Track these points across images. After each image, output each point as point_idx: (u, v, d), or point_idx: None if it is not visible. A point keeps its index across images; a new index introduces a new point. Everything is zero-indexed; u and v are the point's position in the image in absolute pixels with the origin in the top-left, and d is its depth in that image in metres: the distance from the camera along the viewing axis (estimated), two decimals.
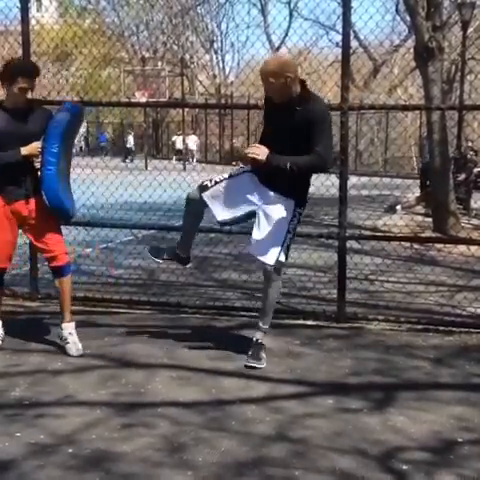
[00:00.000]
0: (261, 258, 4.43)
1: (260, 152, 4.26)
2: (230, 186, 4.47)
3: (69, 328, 4.73)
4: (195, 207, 4.53)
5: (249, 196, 4.46)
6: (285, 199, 4.44)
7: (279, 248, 4.41)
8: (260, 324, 4.64)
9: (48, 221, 4.66)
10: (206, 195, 4.43)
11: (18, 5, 5.84)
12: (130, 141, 36.13)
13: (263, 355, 4.54)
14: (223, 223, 4.56)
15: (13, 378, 4.21)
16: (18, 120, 4.55)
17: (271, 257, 4.40)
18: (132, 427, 3.55)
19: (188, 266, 5.03)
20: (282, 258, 4.43)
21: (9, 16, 7.45)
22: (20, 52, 5.97)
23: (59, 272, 4.73)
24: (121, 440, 3.39)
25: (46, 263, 4.88)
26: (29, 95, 4.54)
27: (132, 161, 29.78)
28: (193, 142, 33.83)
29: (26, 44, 5.85)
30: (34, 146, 4.53)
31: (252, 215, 4.50)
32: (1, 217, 4.60)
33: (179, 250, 4.79)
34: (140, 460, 3.20)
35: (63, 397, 3.93)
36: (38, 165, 4.56)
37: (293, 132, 4.31)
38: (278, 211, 4.43)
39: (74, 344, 4.67)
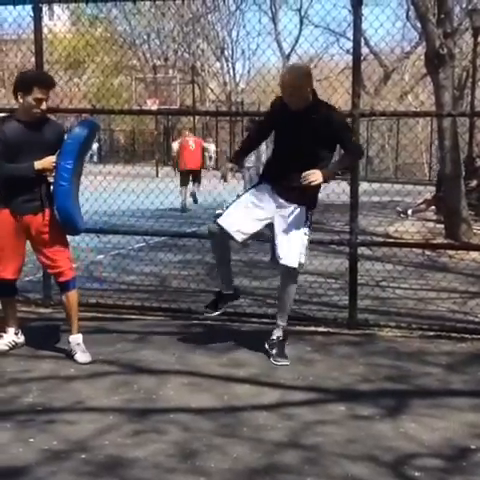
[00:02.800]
0: (284, 262, 4.58)
1: (317, 177, 4.41)
2: (242, 205, 4.68)
3: (77, 339, 4.77)
4: (219, 238, 4.68)
5: (262, 209, 4.65)
6: (297, 206, 4.61)
7: (299, 250, 4.59)
8: (280, 322, 4.83)
9: (57, 236, 4.67)
10: (222, 221, 4.60)
11: (31, 14, 5.88)
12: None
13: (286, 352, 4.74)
14: (244, 243, 4.79)
15: (26, 384, 4.23)
16: (32, 132, 4.54)
17: (294, 260, 4.58)
18: (144, 433, 3.56)
19: (241, 298, 5.29)
20: (303, 259, 4.61)
21: (22, 25, 7.52)
22: (33, 60, 6.02)
23: (66, 287, 4.76)
24: (133, 446, 3.41)
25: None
26: (44, 106, 4.53)
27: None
28: (213, 152, 33.47)
29: (39, 53, 5.90)
30: (49, 160, 4.50)
31: (269, 225, 4.70)
32: (11, 229, 4.61)
33: (225, 289, 4.95)
34: (152, 466, 3.21)
35: (75, 403, 3.95)
36: (51, 179, 4.55)
37: (315, 138, 4.49)
38: (293, 216, 4.61)
39: (82, 353, 4.70)
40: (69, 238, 7.22)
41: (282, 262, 4.59)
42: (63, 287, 4.76)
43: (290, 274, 4.65)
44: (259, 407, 3.92)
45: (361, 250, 5.85)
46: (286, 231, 4.61)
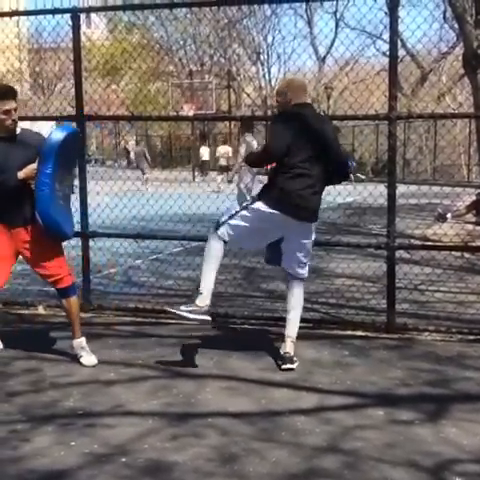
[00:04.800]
0: (300, 273, 4.79)
1: None
2: (252, 228, 4.63)
3: (81, 343, 4.83)
4: (220, 248, 4.73)
5: (272, 234, 4.72)
6: (308, 223, 4.69)
7: (308, 263, 4.84)
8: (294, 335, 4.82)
9: (48, 245, 4.65)
10: (230, 240, 4.68)
11: (69, 23, 5.97)
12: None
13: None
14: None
15: (66, 388, 4.29)
16: (12, 146, 4.55)
17: (305, 271, 4.85)
18: (183, 437, 3.59)
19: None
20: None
21: (60, 33, 7.64)
22: (71, 68, 6.12)
23: (66, 293, 4.78)
24: (173, 450, 3.43)
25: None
26: (15, 116, 4.51)
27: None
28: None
29: (77, 60, 5.99)
30: (30, 168, 4.51)
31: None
32: (0, 241, 4.63)
33: (203, 297, 4.70)
34: (192, 470, 3.23)
35: (115, 407, 3.99)
36: (34, 187, 4.54)
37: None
38: (304, 234, 4.70)
39: (88, 356, 4.76)
40: (109, 243, 7.35)
41: (298, 274, 4.79)
42: (63, 293, 4.77)
43: (300, 284, 4.84)
44: (297, 411, 3.92)
45: (399, 253, 5.80)
46: (299, 248, 4.73)
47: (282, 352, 4.70)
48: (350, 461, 3.31)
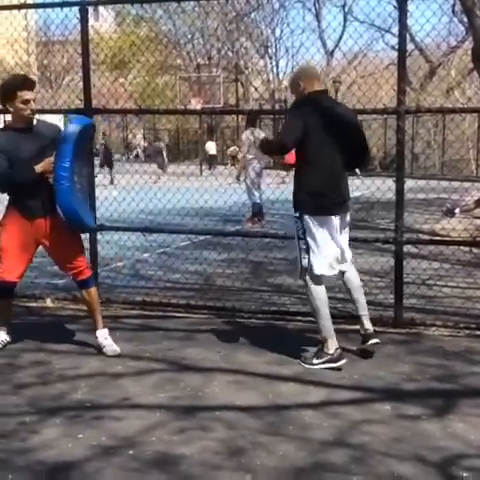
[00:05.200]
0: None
1: None
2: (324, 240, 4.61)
3: (105, 333, 4.87)
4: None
5: (336, 235, 4.65)
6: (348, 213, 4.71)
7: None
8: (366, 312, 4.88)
9: (68, 237, 4.70)
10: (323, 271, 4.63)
11: (78, 16, 5.96)
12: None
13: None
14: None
15: (74, 381, 4.31)
16: (28, 137, 4.60)
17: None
18: (191, 430, 3.60)
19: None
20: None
21: (68, 26, 7.64)
22: (79, 61, 6.11)
23: (86, 284, 4.83)
24: (180, 443, 3.44)
25: (69, 275, 4.91)
26: (33, 106, 4.56)
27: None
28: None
29: (85, 54, 5.98)
30: (47, 162, 4.56)
31: None
32: (20, 233, 4.67)
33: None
34: (199, 463, 3.24)
35: (123, 400, 4.01)
36: (52, 181, 4.58)
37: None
38: (346, 222, 4.71)
39: (111, 346, 4.79)
40: (116, 236, 7.36)
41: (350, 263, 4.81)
42: (83, 285, 4.82)
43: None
44: (304, 405, 3.92)
45: (407, 248, 5.79)
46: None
47: (363, 331, 4.78)
48: (357, 455, 3.32)
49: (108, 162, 24.45)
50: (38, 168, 4.56)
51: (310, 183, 4.50)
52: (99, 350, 4.81)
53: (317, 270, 4.52)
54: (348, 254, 4.78)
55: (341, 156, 4.54)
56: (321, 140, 4.45)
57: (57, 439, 3.49)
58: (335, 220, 4.56)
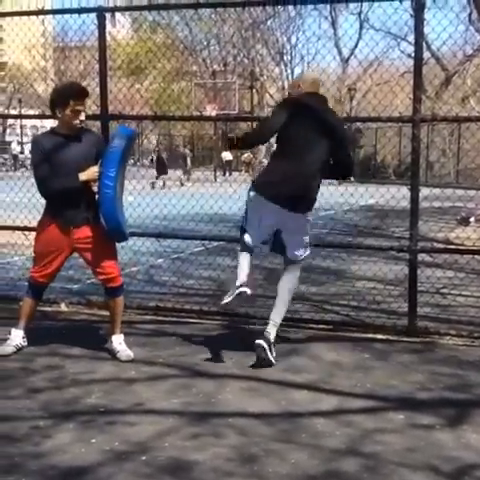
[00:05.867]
0: (297, 254, 4.91)
1: None
2: (253, 218, 4.79)
3: (120, 339, 4.91)
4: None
5: (267, 222, 4.77)
6: (301, 215, 4.77)
7: (306, 246, 4.93)
8: (278, 320, 4.87)
9: (105, 244, 4.78)
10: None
11: (95, 22, 6.01)
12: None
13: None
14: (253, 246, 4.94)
15: (88, 386, 4.32)
16: (72, 144, 4.66)
17: (302, 253, 4.93)
18: (203, 436, 3.60)
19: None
20: (308, 252, 4.97)
21: (86, 32, 7.68)
22: (96, 67, 6.15)
23: (115, 292, 4.88)
24: (193, 449, 3.45)
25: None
26: (83, 117, 4.65)
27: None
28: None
29: (102, 60, 6.02)
30: (92, 171, 4.62)
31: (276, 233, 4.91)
32: (56, 240, 4.72)
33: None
34: (211, 469, 3.24)
35: (136, 405, 4.01)
36: (95, 189, 4.66)
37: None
38: (297, 223, 4.79)
39: (124, 351, 4.83)
40: (130, 242, 7.38)
41: (296, 255, 4.91)
42: (112, 292, 4.88)
43: (296, 265, 4.98)
44: (317, 413, 3.91)
45: (421, 257, 5.78)
46: (293, 235, 4.86)
47: (265, 332, 4.79)
48: (370, 464, 3.30)
49: (163, 171, 24.65)
50: (82, 176, 4.61)
51: (269, 169, 4.82)
52: (113, 355, 4.83)
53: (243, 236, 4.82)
54: (292, 255, 4.89)
55: (315, 158, 4.64)
56: (293, 136, 4.65)
57: (70, 444, 3.50)
58: (275, 209, 4.63)
